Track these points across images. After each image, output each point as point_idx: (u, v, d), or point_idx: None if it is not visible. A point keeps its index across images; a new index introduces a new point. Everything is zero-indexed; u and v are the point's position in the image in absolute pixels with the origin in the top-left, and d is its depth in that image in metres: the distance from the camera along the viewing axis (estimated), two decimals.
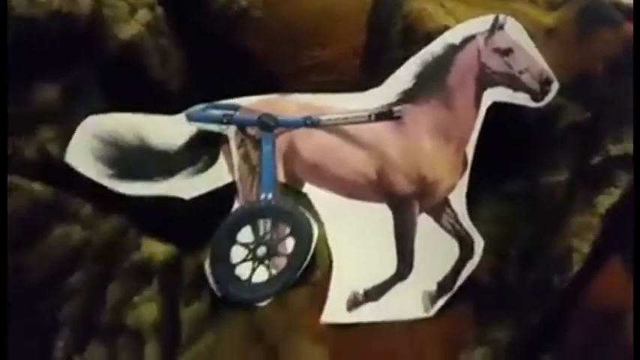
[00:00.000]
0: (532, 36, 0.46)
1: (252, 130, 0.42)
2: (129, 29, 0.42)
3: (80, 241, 0.37)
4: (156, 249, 0.39)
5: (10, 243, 0.34)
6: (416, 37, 0.46)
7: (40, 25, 0.38)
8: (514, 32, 0.44)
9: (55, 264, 0.36)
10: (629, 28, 0.48)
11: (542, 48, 0.45)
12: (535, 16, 0.50)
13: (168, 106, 0.43)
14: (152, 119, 0.42)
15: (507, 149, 0.44)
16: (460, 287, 0.43)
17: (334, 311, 0.41)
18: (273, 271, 0.41)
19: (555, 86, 0.42)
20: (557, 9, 0.50)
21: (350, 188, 0.44)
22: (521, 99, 0.43)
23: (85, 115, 0.40)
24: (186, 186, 0.42)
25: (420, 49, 0.45)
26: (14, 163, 0.36)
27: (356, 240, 0.42)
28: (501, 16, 0.44)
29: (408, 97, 0.44)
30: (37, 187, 0.36)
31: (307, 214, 0.42)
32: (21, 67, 0.38)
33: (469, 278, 0.43)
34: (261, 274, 0.41)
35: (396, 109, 0.43)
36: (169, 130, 0.42)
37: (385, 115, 0.43)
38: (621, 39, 0.47)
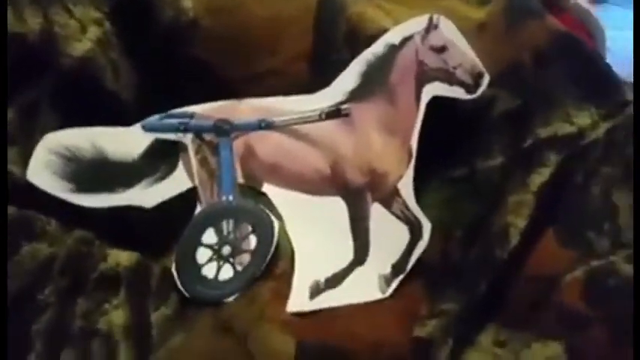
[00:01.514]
0: (464, 31, 0.50)
1: (208, 136, 0.44)
2: (80, 46, 0.43)
3: (48, 257, 0.38)
4: (122, 258, 0.41)
5: None
6: (359, 39, 0.48)
7: None
8: (447, 31, 0.47)
9: (25, 281, 0.37)
10: (551, 20, 0.53)
11: (474, 42, 0.49)
12: (466, 12, 0.54)
13: (123, 118, 0.44)
14: (108, 132, 0.43)
15: (447, 139, 0.47)
16: (412, 267, 0.46)
17: (298, 300, 0.44)
18: (239, 268, 0.44)
19: (487, 79, 0.46)
20: (487, 4, 0.54)
21: (306, 184, 0.47)
22: (457, 92, 0.47)
23: (43, 133, 0.41)
24: (148, 195, 0.43)
25: (363, 50, 0.48)
26: None
27: (314, 233, 0.45)
28: (435, 16, 0.48)
29: (354, 96, 0.47)
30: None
31: (267, 212, 0.45)
32: None
33: (419, 259, 0.46)
34: (226, 272, 0.43)
35: (344, 107, 0.46)
36: (126, 142, 0.44)
37: (334, 113, 0.46)
38: (545, 30, 0.51)
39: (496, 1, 0.53)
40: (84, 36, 0.43)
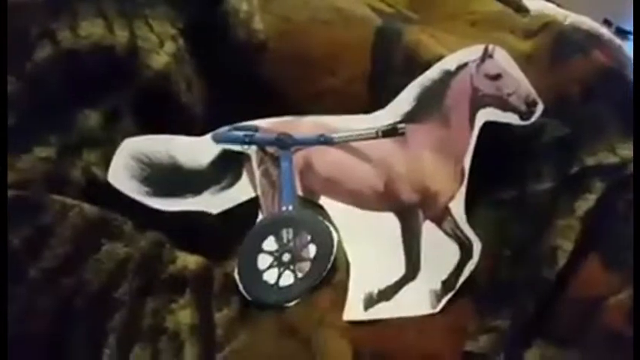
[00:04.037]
0: (513, 58, 0.52)
1: (271, 149, 0.47)
2: (159, 59, 0.46)
3: (124, 257, 0.40)
4: (189, 261, 0.43)
5: (65, 259, 0.38)
6: (415, 64, 0.51)
7: (83, 56, 0.42)
8: (502, 60, 0.50)
9: (103, 279, 0.39)
10: (597, 55, 0.55)
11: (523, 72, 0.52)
12: (514, 44, 0.57)
13: (195, 129, 0.47)
14: (182, 141, 0.46)
15: (499, 162, 0.50)
16: (462, 284, 0.48)
17: (353, 310, 0.45)
18: (299, 275, 0.46)
19: (540, 107, 0.49)
20: (532, 37, 0.57)
21: (361, 199, 0.49)
22: (510, 118, 0.49)
23: (123, 139, 0.44)
24: (214, 201, 0.46)
25: (418, 75, 0.51)
26: (62, 185, 0.39)
27: (368, 246, 0.47)
28: (490, 46, 0.50)
29: (409, 117, 0.50)
30: (86, 207, 0.40)
31: (326, 223, 0.47)
32: (66, 96, 0.41)
33: (469, 276, 0.48)
34: (287, 278, 0.45)
35: (400, 126, 0.48)
36: (197, 151, 0.46)
37: (391, 131, 0.48)
38: (591, 65, 0.54)
39: (542, 34, 0.56)
40: (162, 50, 0.46)
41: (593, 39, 0.57)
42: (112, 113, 0.44)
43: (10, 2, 0.40)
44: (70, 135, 0.42)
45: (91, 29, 0.42)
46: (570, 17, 0.66)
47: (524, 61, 0.54)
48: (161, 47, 0.47)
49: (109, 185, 0.42)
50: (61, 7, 0.42)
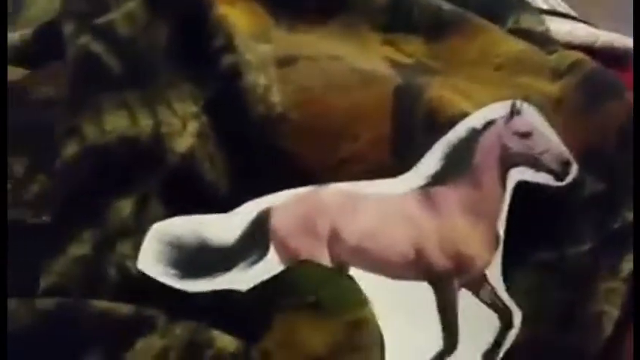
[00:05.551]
0: (541, 107, 0.50)
1: None
2: (183, 142, 0.46)
3: (161, 350, 0.40)
4: (226, 342, 0.42)
5: None
6: (438, 122, 0.50)
7: (110, 150, 0.42)
8: (531, 116, 0.48)
9: None
10: (630, 96, 0.52)
11: (551, 120, 0.50)
12: (542, 87, 0.55)
13: (220, 205, 0.47)
14: (208, 219, 0.46)
15: (535, 223, 0.48)
16: (503, 356, 0.46)
17: None
18: None
19: (575, 167, 0.46)
20: (561, 78, 0.55)
21: (391, 269, 0.47)
22: (544, 178, 0.47)
23: (152, 224, 0.44)
24: (243, 278, 0.45)
25: (443, 133, 0.49)
26: (98, 284, 0.39)
27: (402, 319, 0.46)
28: (518, 102, 0.49)
29: (437, 178, 0.48)
30: (122, 308, 0.39)
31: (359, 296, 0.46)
32: (95, 190, 0.41)
33: (510, 347, 0.46)
34: None
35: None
36: (224, 228, 0.46)
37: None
38: (626, 108, 0.51)
39: (571, 75, 0.54)
40: (185, 131, 0.46)
41: (613, 63, 0.55)
42: (140, 201, 0.44)
43: (36, 98, 0.40)
44: (102, 229, 0.42)
45: (116, 122, 0.43)
46: (601, 39, 0.64)
47: (554, 106, 0.52)
48: (184, 128, 0.47)
49: (141, 276, 0.42)
50: (86, 101, 0.42)
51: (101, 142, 0.43)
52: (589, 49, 0.63)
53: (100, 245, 0.42)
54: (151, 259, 0.43)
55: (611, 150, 0.49)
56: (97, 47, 0.48)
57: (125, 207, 0.43)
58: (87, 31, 0.49)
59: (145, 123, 0.44)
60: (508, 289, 0.47)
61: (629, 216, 0.47)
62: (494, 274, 0.47)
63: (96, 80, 0.47)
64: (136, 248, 0.42)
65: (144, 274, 0.42)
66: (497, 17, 0.60)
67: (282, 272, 0.45)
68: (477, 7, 0.59)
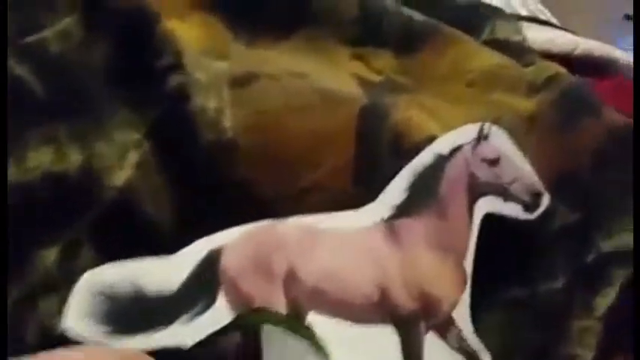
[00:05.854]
0: (513, 127, 0.47)
1: None
2: (121, 175, 0.41)
3: None
4: None
5: None
6: (404, 148, 0.46)
7: (33, 189, 0.37)
8: (500, 141, 0.45)
9: None
10: (609, 113, 0.49)
11: (524, 142, 0.46)
12: (516, 105, 0.52)
13: (163, 248, 0.42)
14: (147, 264, 0.41)
15: (504, 258, 0.44)
16: None
17: None
18: None
19: (546, 198, 0.43)
20: (537, 93, 0.51)
21: (354, 312, 0.43)
22: (513, 209, 0.44)
23: (81, 274, 0.39)
24: (187, 332, 0.40)
25: (409, 160, 0.45)
26: (18, 347, 0.35)
27: None
28: (486, 125, 0.45)
29: (402, 210, 0.44)
30: None
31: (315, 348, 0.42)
32: (19, 239, 0.36)
33: None
34: None
35: None
36: (165, 274, 0.41)
37: None
38: (602, 128, 0.48)
39: (547, 90, 0.50)
40: (124, 162, 0.42)
41: (599, 71, 0.52)
42: (68, 248, 0.39)
43: None
44: (23, 285, 0.37)
45: (40, 158, 0.38)
46: (580, 46, 0.61)
47: (528, 126, 0.49)
48: (123, 159, 0.42)
49: (66, 337, 0.37)
50: (13, 140, 0.37)
51: (23, 180, 0.38)
52: (567, 57, 0.60)
53: (19, 304, 0.37)
54: (77, 314, 0.38)
55: (586, 174, 0.47)
56: (21, 70, 0.43)
57: (49, 256, 0.38)
58: (11, 52, 0.44)
59: (75, 157, 0.39)
60: (477, 330, 0.43)
61: (604, 246, 0.44)
62: (462, 315, 0.44)
63: (18, 108, 0.41)
64: (62, 303, 0.37)
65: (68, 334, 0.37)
66: (473, 27, 0.55)
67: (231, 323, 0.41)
68: (452, 17, 0.55)
